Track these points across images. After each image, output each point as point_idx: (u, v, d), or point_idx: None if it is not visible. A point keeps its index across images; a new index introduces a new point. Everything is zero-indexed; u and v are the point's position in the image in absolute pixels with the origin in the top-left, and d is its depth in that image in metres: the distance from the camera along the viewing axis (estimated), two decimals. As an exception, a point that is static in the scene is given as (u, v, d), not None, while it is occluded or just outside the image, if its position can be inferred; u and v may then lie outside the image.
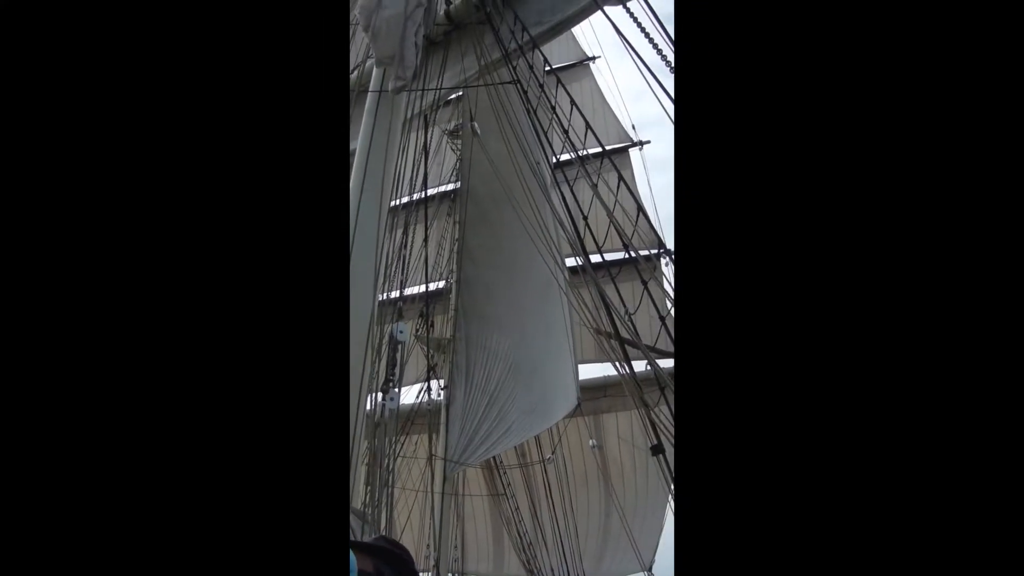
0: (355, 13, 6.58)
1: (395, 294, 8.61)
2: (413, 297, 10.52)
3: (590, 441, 13.81)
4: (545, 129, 5.81)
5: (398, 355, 6.72)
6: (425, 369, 11.00)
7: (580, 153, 5.79)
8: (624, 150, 16.08)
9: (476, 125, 8.41)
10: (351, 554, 1.48)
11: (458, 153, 11.66)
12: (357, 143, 6.16)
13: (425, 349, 10.99)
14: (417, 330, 10.86)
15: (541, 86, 6.18)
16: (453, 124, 12.12)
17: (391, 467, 7.90)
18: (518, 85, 5.93)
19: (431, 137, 9.68)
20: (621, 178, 5.71)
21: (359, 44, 7.37)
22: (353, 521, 5.32)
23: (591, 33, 16.94)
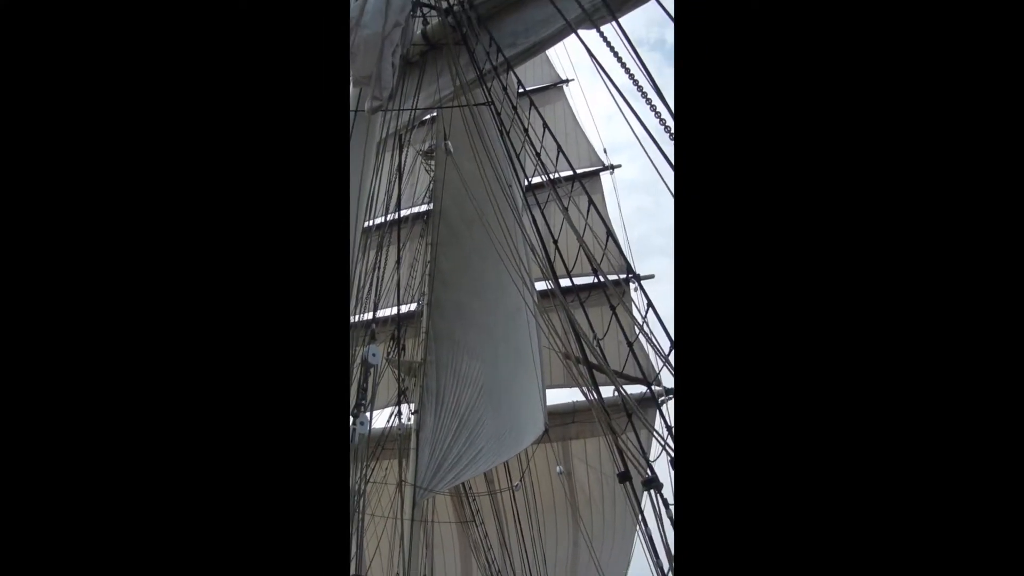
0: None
1: (368, 316, 8.55)
2: (385, 319, 10.46)
3: (557, 468, 13.73)
4: (517, 151, 5.82)
5: (369, 378, 6.66)
6: (396, 393, 10.91)
7: (551, 176, 5.80)
8: (595, 173, 16.17)
9: (450, 144, 8.44)
10: None
11: (431, 174, 11.67)
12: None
13: (396, 372, 10.91)
14: (388, 353, 10.79)
15: (514, 108, 6.20)
16: (427, 144, 12.16)
17: (362, 492, 7.80)
18: (491, 107, 5.95)
19: (405, 157, 9.69)
20: (591, 202, 5.73)
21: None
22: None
23: (565, 56, 17.12)
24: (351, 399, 6.61)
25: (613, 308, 5.56)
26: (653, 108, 4.57)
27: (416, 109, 7.20)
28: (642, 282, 6.27)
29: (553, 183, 5.74)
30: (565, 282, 5.42)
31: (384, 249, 8.88)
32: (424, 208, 12.58)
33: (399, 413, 10.99)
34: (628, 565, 13.79)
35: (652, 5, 5.63)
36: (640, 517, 4.29)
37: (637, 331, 5.57)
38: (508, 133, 5.93)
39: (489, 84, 6.12)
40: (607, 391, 5.39)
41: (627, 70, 4.88)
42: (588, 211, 5.71)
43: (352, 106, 6.41)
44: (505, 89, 6.29)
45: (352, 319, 8.19)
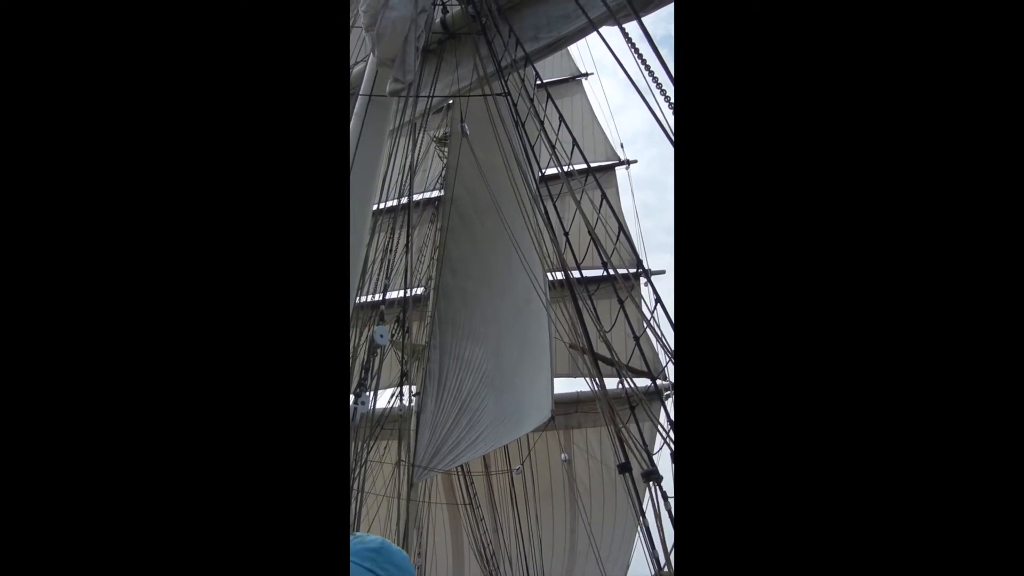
0: (353, 14, 6.61)
1: (378, 297, 8.59)
2: (392, 302, 10.50)
3: (561, 455, 13.76)
4: (532, 143, 5.85)
5: (375, 358, 6.70)
6: (398, 374, 10.96)
7: (565, 168, 5.83)
8: (610, 168, 16.12)
9: (466, 126, 8.44)
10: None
11: (444, 160, 11.66)
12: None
13: (400, 354, 10.97)
14: (393, 335, 10.82)
15: (531, 100, 6.21)
16: (442, 131, 12.13)
17: (363, 471, 7.85)
18: (508, 98, 5.96)
19: (420, 143, 9.69)
20: (604, 196, 5.77)
21: (352, 46, 7.41)
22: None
23: (586, 50, 17.04)
24: (354, 378, 6.65)
25: (621, 302, 5.59)
26: (672, 105, 4.60)
27: (433, 97, 7.22)
28: (652, 277, 6.32)
29: (567, 175, 5.77)
30: (575, 273, 5.46)
31: (396, 232, 8.91)
32: (436, 194, 12.57)
33: (400, 394, 11.04)
34: (630, 553, 13.78)
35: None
36: (639, 508, 4.33)
37: (644, 325, 5.61)
38: (523, 124, 5.95)
39: (507, 76, 6.15)
40: (611, 382, 5.44)
41: (647, 66, 4.91)
42: (601, 204, 5.75)
43: (364, 90, 6.42)
44: (522, 80, 6.29)
45: (361, 299, 8.22)
